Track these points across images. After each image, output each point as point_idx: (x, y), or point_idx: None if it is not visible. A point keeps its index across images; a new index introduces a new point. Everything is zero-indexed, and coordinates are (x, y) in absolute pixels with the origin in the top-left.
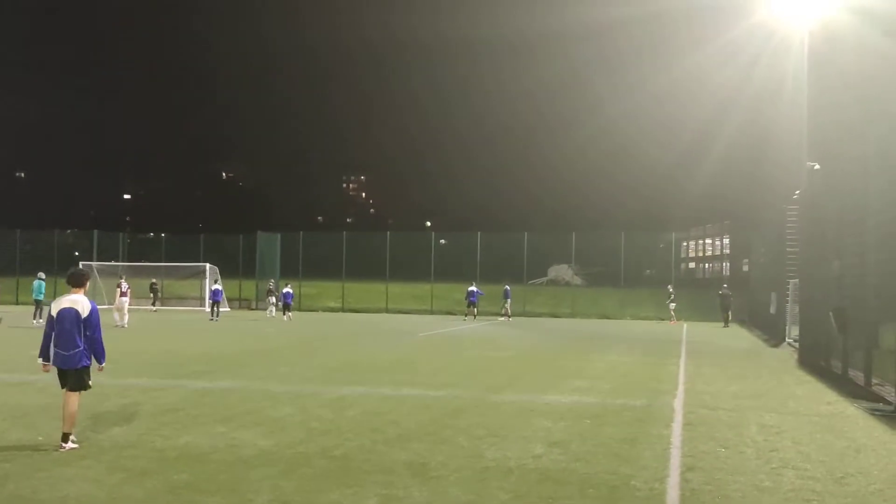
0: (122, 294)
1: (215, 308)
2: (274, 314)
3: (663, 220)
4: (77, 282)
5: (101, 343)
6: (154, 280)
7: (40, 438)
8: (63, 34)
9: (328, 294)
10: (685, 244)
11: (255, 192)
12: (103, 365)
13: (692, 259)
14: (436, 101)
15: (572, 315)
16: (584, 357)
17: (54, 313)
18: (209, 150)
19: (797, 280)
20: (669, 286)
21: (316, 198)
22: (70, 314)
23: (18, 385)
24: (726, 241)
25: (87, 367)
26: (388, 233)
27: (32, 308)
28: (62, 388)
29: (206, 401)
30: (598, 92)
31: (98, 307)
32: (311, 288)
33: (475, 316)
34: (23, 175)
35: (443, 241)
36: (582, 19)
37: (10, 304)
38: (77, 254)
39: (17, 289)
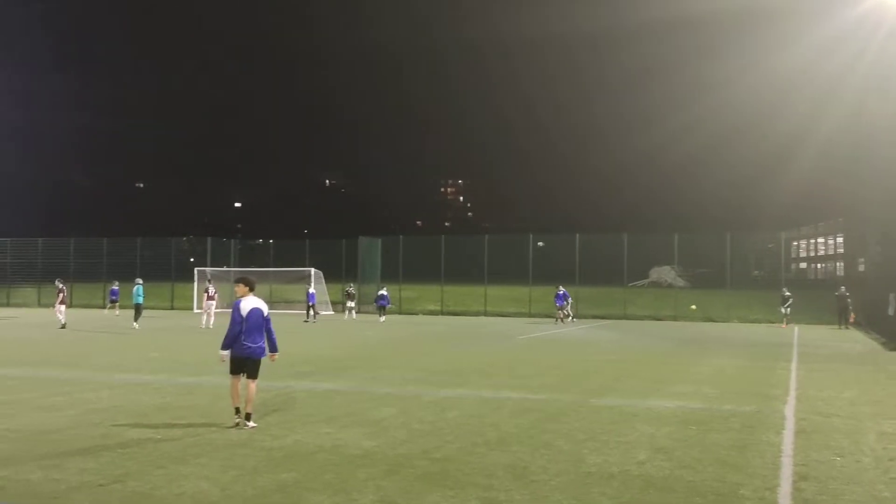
0: (210, 298)
1: (311, 310)
2: (354, 316)
3: (771, 219)
4: (251, 285)
5: (274, 334)
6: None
7: (158, 437)
8: (173, 48)
9: (427, 297)
10: (795, 244)
11: (357, 198)
12: (276, 355)
13: (803, 259)
14: (532, 103)
15: (675, 318)
16: (689, 361)
17: (244, 313)
18: (314, 158)
19: None
20: (785, 289)
21: (415, 202)
22: (258, 313)
23: (138, 385)
24: (840, 239)
25: (262, 359)
26: (486, 236)
27: (159, 312)
28: (232, 374)
29: (311, 402)
30: (697, 86)
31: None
32: (410, 291)
33: (562, 319)
34: (142, 186)
35: (541, 244)
36: (680, 9)
37: (129, 308)
38: (192, 260)
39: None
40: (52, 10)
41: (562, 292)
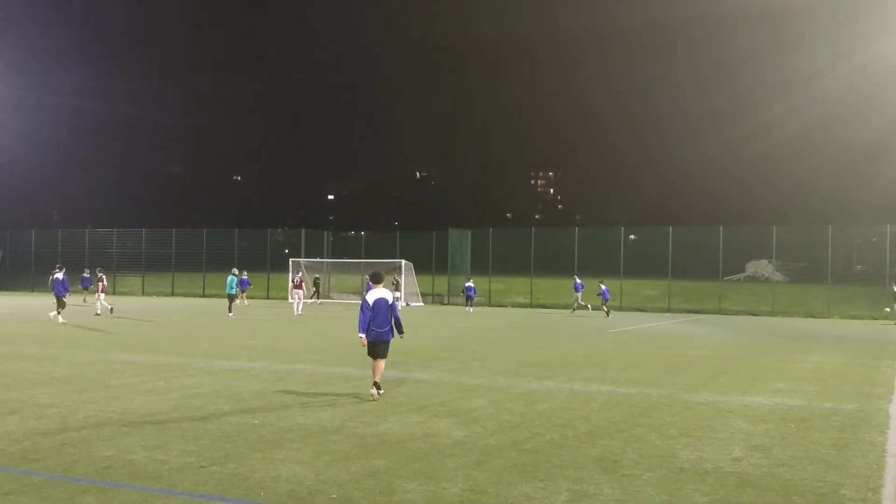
0: (296, 287)
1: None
2: (408, 304)
3: (874, 211)
4: (379, 278)
5: (400, 319)
6: (318, 276)
7: (256, 421)
8: (266, 46)
9: (517, 289)
10: None
11: (448, 191)
12: (403, 335)
13: None
14: (623, 94)
15: (773, 313)
16: (787, 357)
17: (371, 302)
18: (405, 151)
19: None
20: (894, 285)
21: (505, 195)
22: (383, 302)
23: (237, 371)
24: None
25: (390, 340)
26: (577, 228)
27: (256, 301)
28: (371, 357)
29: (401, 391)
30: (795, 75)
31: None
32: (500, 283)
33: (579, 307)
34: (239, 178)
35: (633, 237)
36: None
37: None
38: (287, 251)
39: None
40: (152, 14)
41: (579, 282)
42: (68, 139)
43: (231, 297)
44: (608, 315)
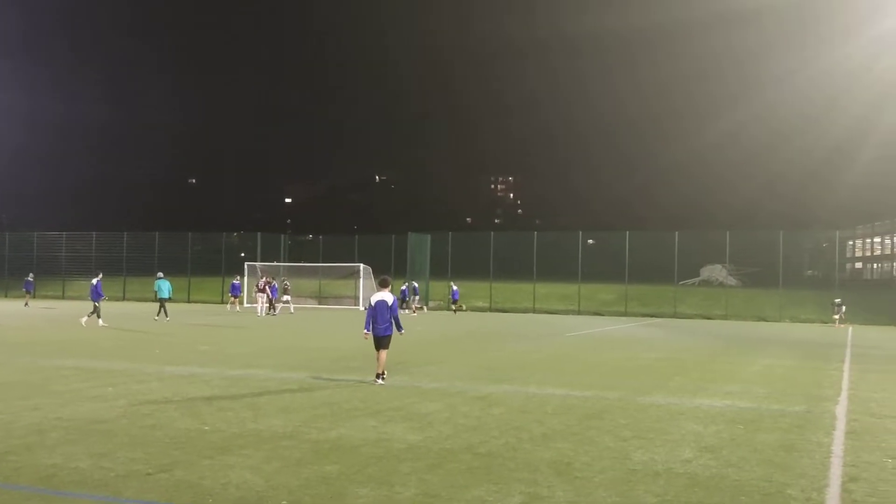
0: (260, 291)
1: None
2: (292, 311)
3: (825, 217)
4: (385, 284)
5: (399, 318)
6: (285, 280)
7: (206, 427)
8: (219, 45)
9: (476, 294)
10: (851, 243)
11: (407, 195)
12: (402, 331)
13: (858, 259)
14: (582, 99)
15: (726, 317)
16: (739, 360)
17: (373, 303)
18: (363, 154)
19: None
20: (837, 299)
21: (465, 199)
22: (383, 304)
23: (187, 377)
24: None
25: (391, 335)
26: (536, 233)
27: (210, 306)
28: (376, 348)
29: (357, 395)
30: (751, 81)
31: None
32: (459, 288)
33: (458, 310)
34: (194, 181)
35: (591, 242)
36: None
37: (183, 301)
38: (243, 255)
39: (189, 288)
40: (108, 14)
41: (455, 288)
42: (20, 140)
43: (162, 301)
44: (455, 313)
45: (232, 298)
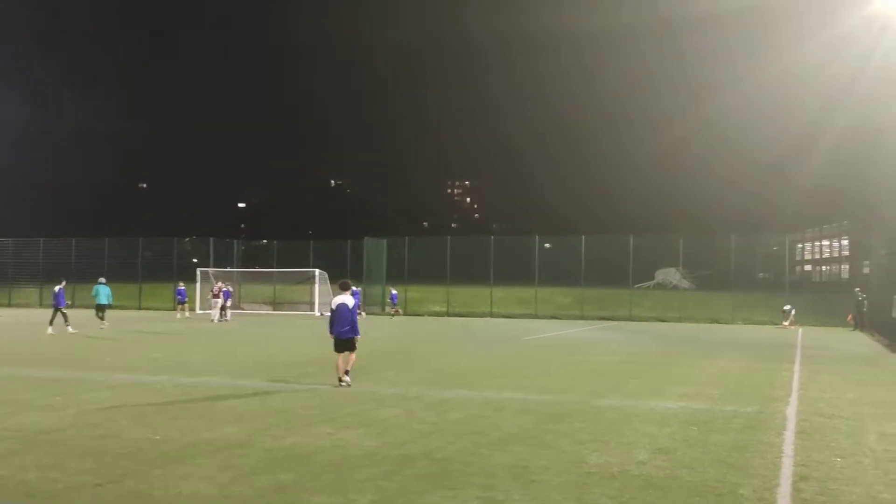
0: (214, 296)
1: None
2: (228, 318)
3: (776, 221)
4: (346, 287)
5: (357, 323)
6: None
7: (157, 437)
8: (173, 49)
9: (433, 298)
10: (800, 246)
11: (362, 199)
12: (359, 336)
13: (808, 262)
14: (539, 104)
15: (680, 319)
16: (693, 362)
17: (334, 307)
18: (318, 159)
19: None
20: (787, 304)
21: (421, 203)
22: (344, 307)
23: (138, 385)
24: (844, 242)
25: (354, 337)
26: (492, 237)
27: (163, 312)
28: (337, 351)
29: (312, 402)
30: (705, 87)
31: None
32: (416, 292)
33: (396, 315)
34: (145, 186)
35: (547, 245)
36: (684, 11)
37: (134, 308)
38: (195, 260)
39: (140, 294)
40: (54, 16)
41: (394, 293)
42: None
43: (100, 308)
44: (392, 317)
45: (179, 305)
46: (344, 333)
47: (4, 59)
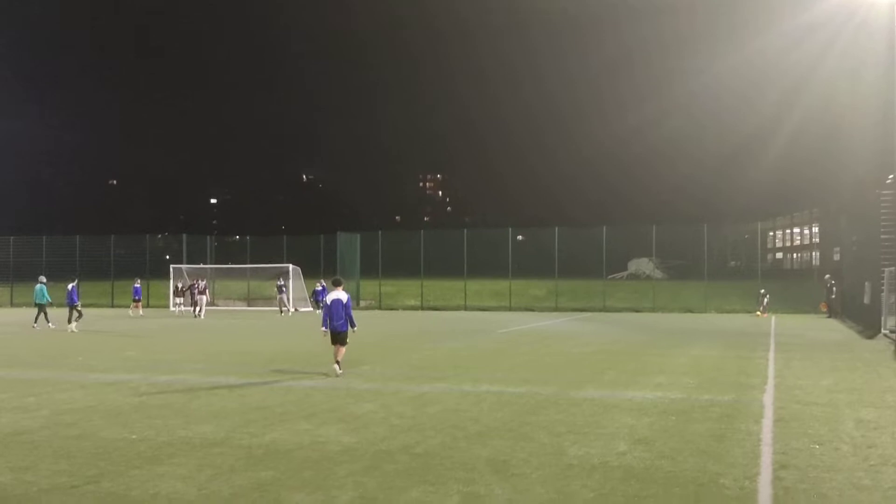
0: (200, 292)
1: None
2: (180, 311)
3: (747, 210)
4: (338, 283)
5: (352, 316)
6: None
7: (134, 437)
8: (142, 43)
9: (407, 292)
10: (771, 234)
11: (335, 194)
12: (356, 329)
13: (779, 249)
14: (509, 96)
15: (654, 309)
16: (668, 352)
17: (328, 302)
18: (289, 154)
19: (893, 268)
20: (762, 290)
21: (393, 198)
22: (338, 302)
23: (113, 385)
24: (815, 229)
25: (347, 331)
26: (465, 230)
27: (129, 310)
28: (333, 343)
29: (289, 398)
30: (674, 75)
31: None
32: (390, 286)
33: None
34: (115, 183)
35: (520, 238)
36: None
37: (106, 306)
38: (168, 257)
39: (113, 292)
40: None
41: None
42: None
43: (40, 308)
44: (281, 313)
45: (134, 303)
46: (341, 327)
47: None
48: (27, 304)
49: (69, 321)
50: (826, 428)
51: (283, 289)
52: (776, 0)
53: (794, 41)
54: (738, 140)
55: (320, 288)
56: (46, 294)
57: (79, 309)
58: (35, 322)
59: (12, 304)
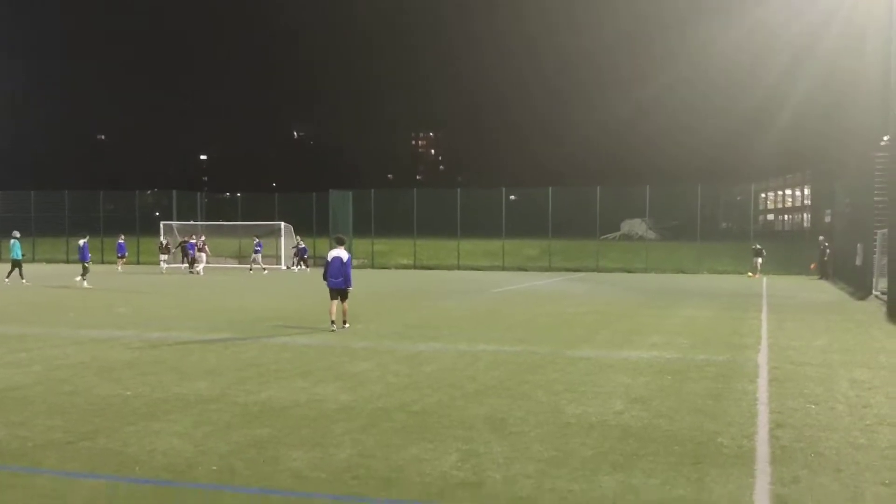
0: (200, 249)
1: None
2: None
3: (740, 171)
4: (341, 242)
5: (350, 275)
6: (186, 239)
7: (128, 393)
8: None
9: (400, 251)
10: (763, 195)
11: (327, 151)
12: (351, 288)
13: (771, 211)
14: (503, 56)
15: (646, 270)
16: (662, 312)
17: (329, 259)
18: (281, 110)
19: (885, 230)
20: (757, 244)
21: (385, 155)
22: (338, 260)
23: (106, 341)
24: (807, 191)
25: (346, 288)
26: (459, 189)
27: (119, 266)
28: (332, 299)
29: (284, 356)
30: (670, 42)
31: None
32: (382, 245)
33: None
34: (104, 138)
35: (513, 197)
36: None
37: (97, 263)
38: (157, 214)
39: (102, 248)
40: None
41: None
42: None
43: (15, 263)
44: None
45: (119, 258)
46: (338, 284)
47: None
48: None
49: (83, 277)
50: (821, 388)
51: (259, 247)
52: None
53: (796, 10)
54: (735, 105)
55: (302, 246)
56: (19, 249)
57: (86, 266)
58: (7, 277)
59: (0, 260)
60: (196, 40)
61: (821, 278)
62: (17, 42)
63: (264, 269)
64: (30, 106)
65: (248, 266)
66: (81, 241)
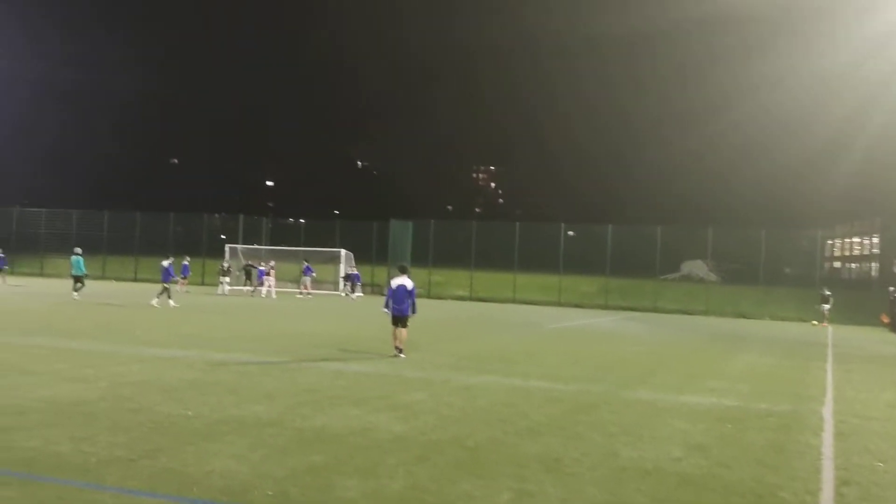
0: (267, 274)
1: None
2: (227, 292)
3: (806, 216)
4: (404, 270)
5: (415, 302)
6: (250, 263)
7: (189, 413)
8: (205, 24)
9: (456, 282)
10: (830, 242)
11: (389, 181)
12: (415, 313)
13: (837, 258)
14: (567, 93)
15: (706, 312)
16: (721, 357)
17: (394, 287)
18: (346, 139)
19: None
20: (826, 289)
21: (445, 187)
22: (402, 288)
23: (170, 360)
24: (875, 239)
25: (408, 315)
26: (518, 223)
27: (192, 287)
28: (394, 325)
29: (339, 383)
30: (738, 82)
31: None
32: (439, 276)
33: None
34: (176, 162)
35: (571, 233)
36: (721, 8)
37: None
38: (224, 237)
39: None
40: None
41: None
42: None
43: (77, 279)
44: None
45: (182, 279)
46: (402, 311)
47: (49, 13)
48: (92, 277)
49: (168, 296)
50: (887, 444)
51: (308, 271)
52: (849, 12)
53: (866, 52)
54: (803, 149)
55: (355, 272)
56: (83, 265)
57: (167, 287)
58: (75, 292)
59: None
60: (268, 71)
61: (892, 331)
62: (116, 66)
63: (309, 293)
64: (95, 125)
65: (298, 290)
66: (166, 262)
